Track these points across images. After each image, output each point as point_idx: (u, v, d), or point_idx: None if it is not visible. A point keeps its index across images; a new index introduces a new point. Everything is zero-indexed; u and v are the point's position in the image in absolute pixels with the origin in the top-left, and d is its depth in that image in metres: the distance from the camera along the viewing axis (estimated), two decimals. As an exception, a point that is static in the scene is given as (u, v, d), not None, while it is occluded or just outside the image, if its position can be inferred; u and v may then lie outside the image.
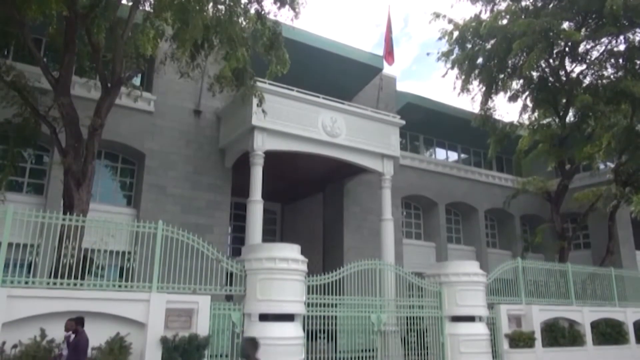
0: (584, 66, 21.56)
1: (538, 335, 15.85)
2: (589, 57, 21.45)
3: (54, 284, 9.69)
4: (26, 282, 9.48)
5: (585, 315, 17.39)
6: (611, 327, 17.79)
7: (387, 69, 21.28)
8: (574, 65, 21.74)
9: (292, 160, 17.24)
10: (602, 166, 25.41)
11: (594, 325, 17.51)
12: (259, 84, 14.55)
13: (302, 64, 16.01)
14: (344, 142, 16.91)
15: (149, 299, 10.23)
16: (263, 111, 14.12)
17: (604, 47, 21.08)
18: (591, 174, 24.56)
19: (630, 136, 20.24)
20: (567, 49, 20.99)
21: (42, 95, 13.14)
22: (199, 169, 17.38)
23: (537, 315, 16.20)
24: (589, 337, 17.08)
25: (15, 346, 8.75)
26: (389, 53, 20.46)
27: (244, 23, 12.80)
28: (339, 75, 20.04)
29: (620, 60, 20.87)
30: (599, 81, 21.15)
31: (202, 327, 10.70)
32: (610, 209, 21.88)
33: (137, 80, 17.52)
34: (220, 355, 11.18)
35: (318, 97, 16.56)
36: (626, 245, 25.10)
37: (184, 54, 12.53)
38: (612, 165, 23.76)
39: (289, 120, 15.95)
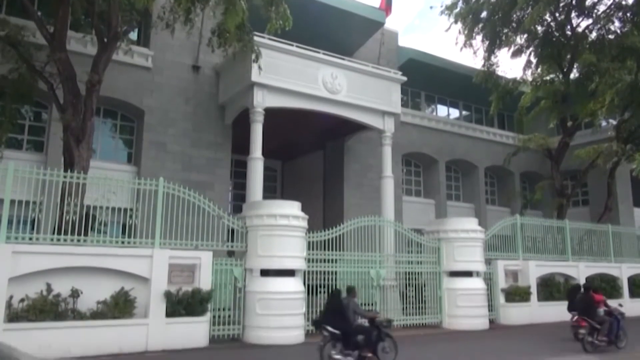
0: (590, 20, 21.08)
1: (534, 290, 16.23)
2: (595, 10, 20.94)
3: (58, 240, 9.84)
4: (30, 239, 9.63)
5: (580, 270, 17.73)
6: (606, 282, 18.17)
7: (389, 24, 20.84)
8: (580, 19, 21.26)
9: (292, 117, 17.11)
10: (603, 123, 25.23)
11: (589, 280, 17.83)
12: (258, 39, 14.26)
13: (302, 18, 15.62)
14: (344, 98, 16.73)
15: (152, 255, 10.41)
16: (259, 67, 13.93)
17: (611, 1, 20.54)
18: (592, 131, 24.42)
19: (634, 93, 19.98)
20: (573, 2, 20.45)
21: (38, 50, 12.91)
22: (198, 126, 17.27)
23: (534, 270, 16.51)
24: (583, 291, 17.44)
25: (22, 300, 8.98)
26: (388, 5, 19.98)
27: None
28: (340, 30, 19.61)
29: (628, 14, 20.37)
30: (605, 36, 20.72)
31: (204, 281, 10.94)
32: (610, 166, 21.91)
33: (134, 36, 17.19)
34: (223, 309, 11.47)
35: (318, 52, 16.27)
36: (625, 202, 25.26)
37: (183, 8, 12.20)
38: (614, 123, 23.61)
39: (289, 76, 15.72)
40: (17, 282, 9.02)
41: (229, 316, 11.54)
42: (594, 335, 10.89)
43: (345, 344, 8.22)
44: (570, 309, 12.50)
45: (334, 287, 12.56)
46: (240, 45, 13.01)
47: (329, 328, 8.20)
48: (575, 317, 11.78)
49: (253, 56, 13.46)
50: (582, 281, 17.49)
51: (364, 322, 8.85)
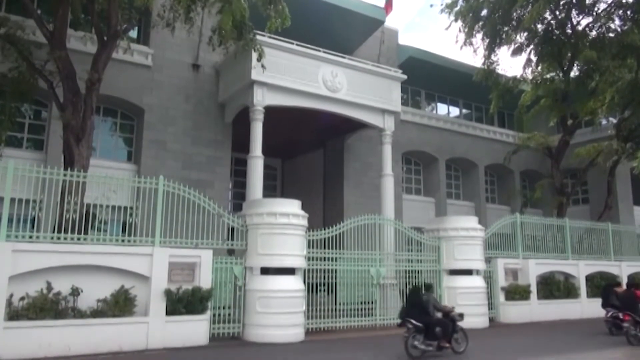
0: (591, 19, 21.06)
1: (534, 288, 16.24)
2: (596, 8, 20.92)
3: (58, 238, 9.84)
4: (30, 237, 9.62)
5: (580, 268, 17.74)
6: (606, 280, 18.16)
7: (390, 22, 20.85)
8: (581, 17, 21.22)
9: (292, 116, 17.10)
10: (604, 122, 25.23)
11: (589, 279, 17.90)
12: (258, 37, 14.26)
13: (302, 16, 15.64)
14: (344, 97, 16.72)
15: (152, 253, 10.42)
16: (263, 66, 13.86)
17: (612, -1, 20.53)
18: (593, 129, 24.42)
19: (634, 91, 19.96)
20: (574, 0, 20.43)
21: (38, 49, 12.89)
22: (198, 125, 17.27)
23: (534, 268, 16.52)
24: (583, 290, 17.49)
25: (22, 298, 8.98)
26: (388, 3, 19.97)
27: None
28: (340, 28, 19.60)
29: (628, 12, 20.35)
30: (605, 34, 20.70)
31: (204, 280, 10.95)
32: (611, 165, 21.90)
33: (134, 34, 17.17)
34: (223, 307, 11.48)
35: (319, 50, 16.25)
36: (625, 200, 25.27)
37: (183, 7, 12.17)
38: (614, 121, 23.60)
39: (289, 74, 15.71)
40: (18, 281, 9.01)
41: (229, 314, 11.54)
42: (637, 328, 11.57)
43: (426, 335, 9.14)
44: (604, 305, 13.21)
45: (334, 285, 12.59)
46: (242, 44, 12.99)
47: (413, 321, 9.12)
48: (610, 313, 12.67)
49: (256, 55, 13.42)
50: (582, 280, 17.60)
51: (439, 315, 9.53)
